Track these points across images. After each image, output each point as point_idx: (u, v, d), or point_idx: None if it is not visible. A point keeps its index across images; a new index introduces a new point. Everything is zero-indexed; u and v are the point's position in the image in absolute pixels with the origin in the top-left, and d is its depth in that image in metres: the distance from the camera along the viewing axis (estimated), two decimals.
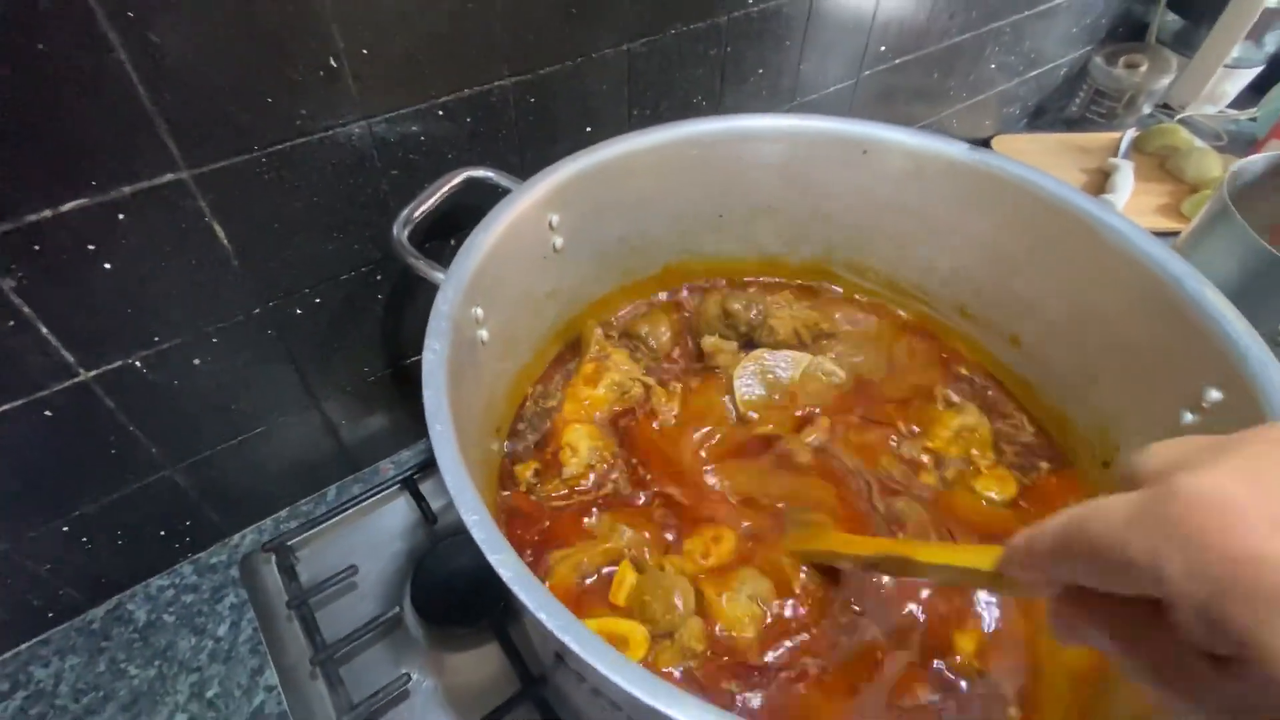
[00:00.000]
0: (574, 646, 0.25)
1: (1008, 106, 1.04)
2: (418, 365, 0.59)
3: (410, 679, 0.48)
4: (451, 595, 0.51)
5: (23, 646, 0.52)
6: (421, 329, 0.56)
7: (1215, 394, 0.37)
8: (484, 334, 0.43)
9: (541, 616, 0.25)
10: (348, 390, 0.56)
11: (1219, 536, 0.17)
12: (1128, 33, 1.12)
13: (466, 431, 0.36)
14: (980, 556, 0.29)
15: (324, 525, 0.56)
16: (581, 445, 0.49)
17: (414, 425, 0.64)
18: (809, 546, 0.43)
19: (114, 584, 0.54)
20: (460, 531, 0.55)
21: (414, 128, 0.46)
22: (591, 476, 0.48)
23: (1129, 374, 0.43)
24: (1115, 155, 1.01)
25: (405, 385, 0.60)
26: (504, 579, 0.27)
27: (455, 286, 0.39)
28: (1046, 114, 1.13)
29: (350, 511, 0.57)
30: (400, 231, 0.42)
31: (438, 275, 0.40)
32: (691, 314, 0.59)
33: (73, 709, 0.49)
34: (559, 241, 0.49)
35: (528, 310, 0.50)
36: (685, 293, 0.61)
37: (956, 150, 0.49)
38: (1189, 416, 0.38)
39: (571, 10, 0.48)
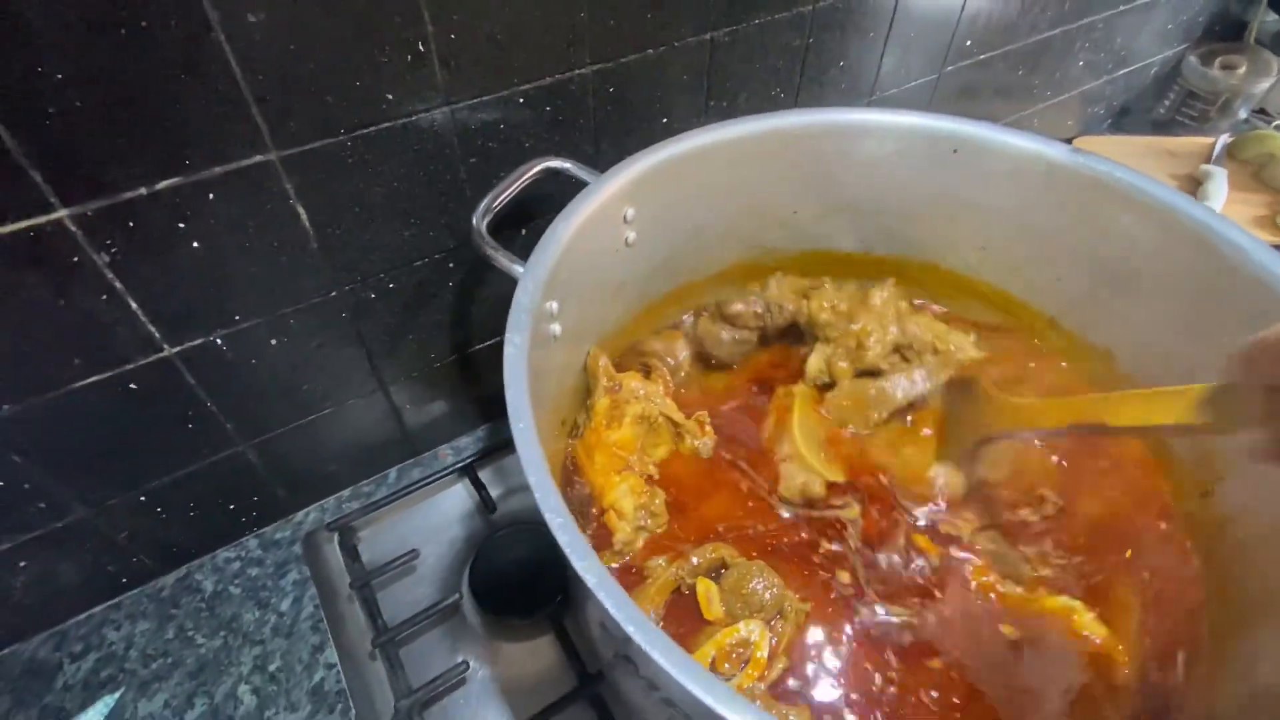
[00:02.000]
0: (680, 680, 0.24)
1: (1092, 106, 0.99)
2: (482, 353, 0.59)
3: (468, 667, 0.48)
4: (509, 585, 0.51)
5: (96, 609, 0.54)
6: (489, 317, 0.57)
7: None
8: (556, 328, 0.42)
9: (630, 630, 0.25)
10: (413, 375, 0.57)
11: None
12: (1225, 32, 1.06)
13: (539, 428, 0.35)
14: (1176, 400, 0.28)
15: (385, 507, 0.57)
16: (626, 506, 0.44)
17: (474, 412, 0.64)
18: (991, 425, 0.42)
19: (184, 553, 0.56)
20: (518, 522, 0.55)
21: (495, 115, 0.46)
22: (641, 539, 0.45)
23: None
24: (1207, 162, 0.95)
25: (468, 372, 0.60)
26: (590, 585, 0.26)
27: (535, 279, 0.38)
28: (1132, 115, 1.07)
29: (410, 495, 0.58)
30: (480, 222, 0.42)
31: (516, 268, 0.39)
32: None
33: (141, 673, 0.51)
34: (631, 235, 0.48)
35: (596, 305, 0.49)
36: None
37: (1057, 152, 0.46)
38: None
39: None
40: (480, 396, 0.63)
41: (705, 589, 0.41)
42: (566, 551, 0.27)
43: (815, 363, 0.53)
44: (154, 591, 0.55)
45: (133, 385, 0.43)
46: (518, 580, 0.51)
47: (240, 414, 0.49)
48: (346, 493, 0.61)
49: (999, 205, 0.50)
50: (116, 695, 0.49)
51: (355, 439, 0.57)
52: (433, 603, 0.51)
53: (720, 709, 0.23)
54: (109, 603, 0.54)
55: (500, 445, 0.61)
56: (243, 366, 0.47)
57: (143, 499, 0.50)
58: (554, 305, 0.40)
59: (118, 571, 0.53)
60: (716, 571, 0.43)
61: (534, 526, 0.54)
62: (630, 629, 0.25)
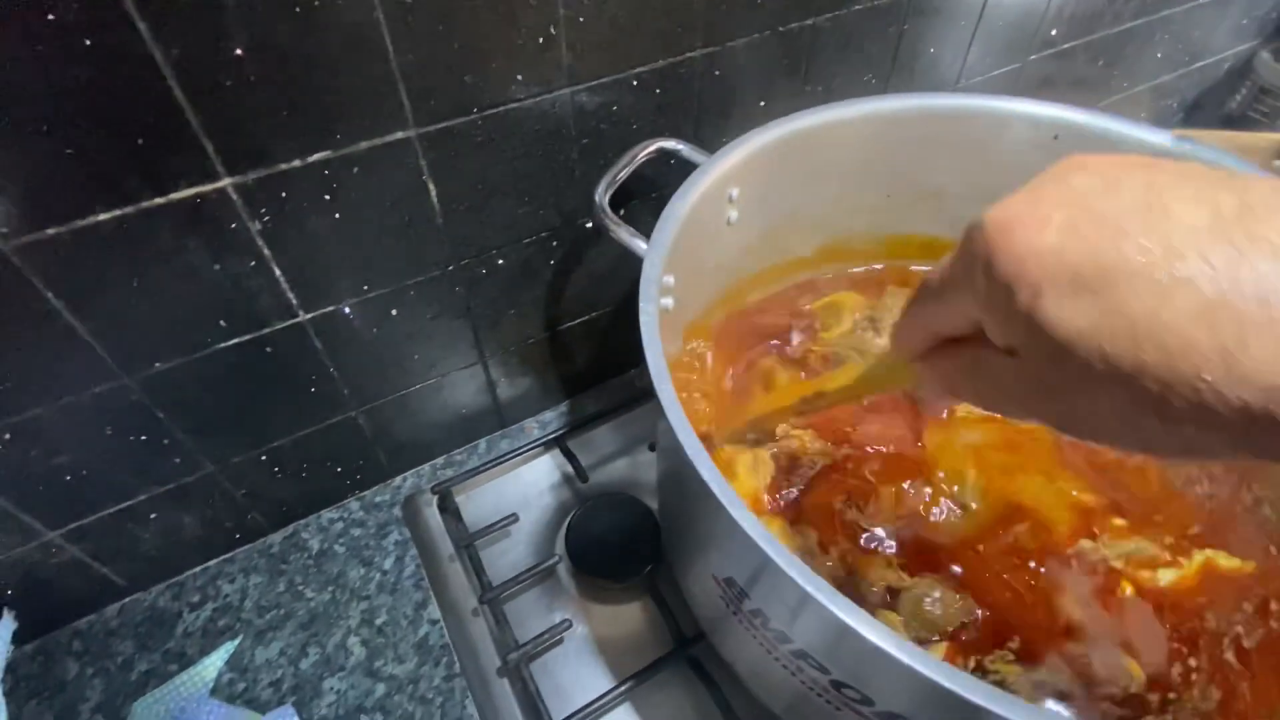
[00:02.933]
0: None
1: (1165, 100, 0.98)
2: (573, 330, 0.62)
3: (570, 625, 0.50)
4: (604, 550, 0.53)
5: (211, 563, 0.57)
6: (583, 295, 0.59)
7: None
8: (669, 302, 0.44)
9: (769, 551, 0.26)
10: (510, 349, 0.59)
11: (1005, 242, 0.20)
12: None
13: None
14: (878, 361, 0.34)
15: (481, 474, 0.59)
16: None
17: (559, 388, 0.66)
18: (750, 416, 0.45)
19: (292, 513, 0.59)
20: (609, 492, 0.57)
21: (609, 98, 0.47)
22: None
23: None
24: (1279, 158, 0.94)
25: (559, 348, 0.62)
26: (737, 519, 0.28)
27: (659, 253, 0.40)
28: (1204, 110, 1.06)
29: (505, 463, 0.60)
30: (602, 198, 0.44)
31: (639, 243, 0.41)
32: None
33: (257, 623, 0.54)
34: (734, 215, 0.50)
35: (696, 282, 0.51)
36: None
37: (1161, 139, 0.47)
38: None
39: None
40: (566, 373, 0.65)
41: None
42: (712, 487, 0.29)
43: None
44: (264, 548, 0.58)
45: (268, 349, 0.46)
46: (612, 545, 0.53)
47: (356, 380, 0.52)
48: (440, 460, 0.63)
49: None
50: (235, 642, 0.53)
51: (453, 409, 0.60)
52: (533, 564, 0.53)
53: (886, 645, 0.25)
54: (223, 557, 0.57)
55: (587, 420, 0.63)
56: (364, 335, 0.50)
57: (263, 458, 0.52)
58: (670, 280, 0.42)
59: (233, 527, 0.56)
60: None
61: (626, 496, 0.56)
62: (786, 567, 0.26)
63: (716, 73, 0.51)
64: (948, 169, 0.54)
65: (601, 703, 0.46)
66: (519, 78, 0.43)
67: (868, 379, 0.35)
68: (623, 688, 0.47)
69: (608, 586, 0.52)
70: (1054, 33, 0.70)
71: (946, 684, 0.24)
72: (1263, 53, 1.01)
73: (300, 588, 0.56)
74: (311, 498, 0.59)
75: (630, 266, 0.40)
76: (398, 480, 0.62)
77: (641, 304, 0.37)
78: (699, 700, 0.47)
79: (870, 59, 0.58)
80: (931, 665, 0.24)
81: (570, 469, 0.59)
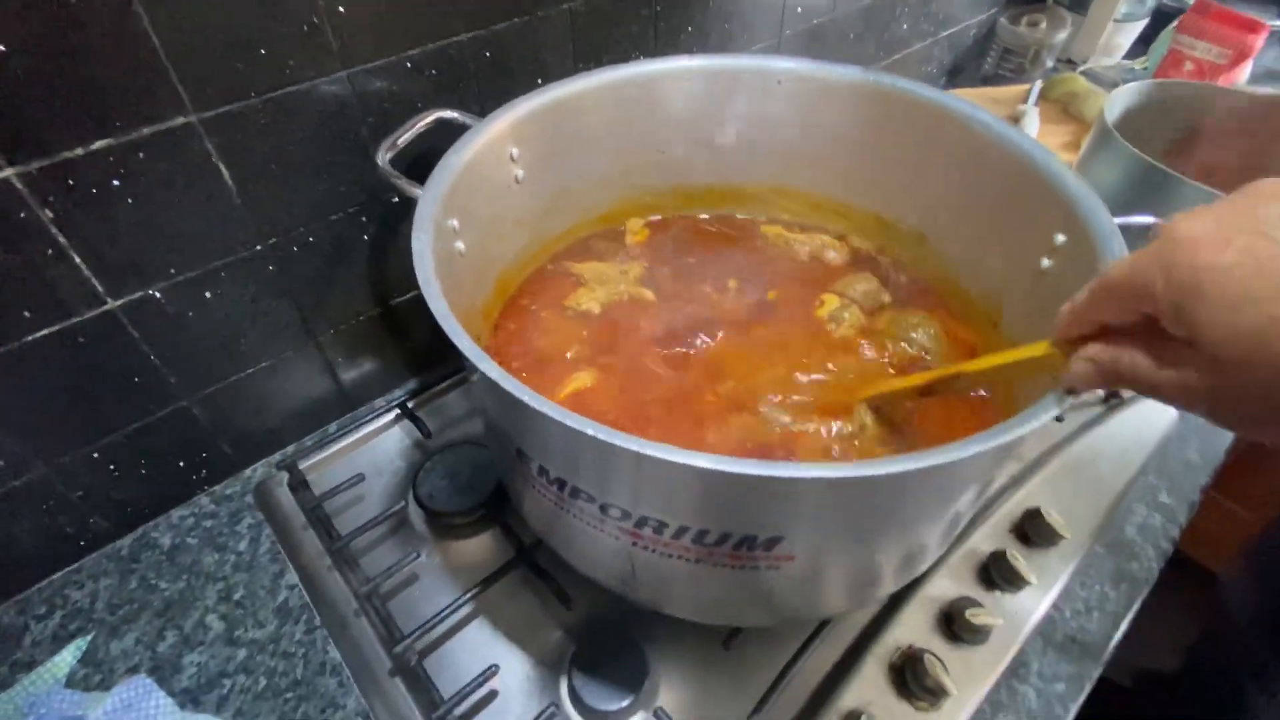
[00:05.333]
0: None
1: (926, 65, 1.14)
2: (404, 306, 0.66)
3: (419, 556, 0.54)
4: (450, 490, 0.58)
5: (57, 575, 0.57)
6: (404, 270, 0.64)
7: (1061, 238, 0.45)
8: (461, 245, 0.50)
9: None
10: (341, 328, 0.63)
11: (1187, 256, 0.25)
12: None
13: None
14: (1025, 350, 0.36)
15: (329, 447, 0.62)
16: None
17: (404, 367, 0.70)
18: (875, 389, 0.49)
19: (139, 514, 0.60)
20: (456, 443, 0.62)
21: (387, 80, 0.53)
22: None
23: (1004, 240, 0.52)
24: (1024, 104, 1.11)
25: (394, 325, 0.66)
26: (475, 362, 0.33)
27: (433, 195, 0.45)
28: (964, 72, 1.23)
29: (353, 437, 0.64)
30: (383, 159, 0.49)
31: (415, 190, 0.47)
32: None
33: (109, 620, 0.55)
34: (520, 173, 0.56)
35: (497, 236, 0.57)
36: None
37: (854, 73, 0.58)
38: (1045, 262, 0.47)
39: None
40: (410, 349, 0.70)
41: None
42: (459, 345, 0.34)
43: None
44: (113, 552, 0.59)
45: (80, 339, 0.48)
46: (458, 485, 0.58)
47: (182, 368, 0.55)
48: (291, 449, 0.66)
49: (822, 124, 0.61)
50: (88, 638, 0.53)
51: (295, 394, 0.63)
52: (380, 511, 0.57)
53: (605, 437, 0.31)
54: (70, 568, 0.58)
55: (433, 386, 0.68)
56: (182, 319, 0.52)
57: (96, 455, 0.54)
58: (455, 222, 0.48)
59: (76, 534, 0.57)
60: None
61: (471, 444, 0.61)
62: (513, 390, 0.32)
63: (488, 54, 0.58)
64: (702, 123, 0.63)
65: (450, 610, 0.51)
66: (291, 63, 0.48)
67: (1015, 363, 0.37)
68: (468, 595, 0.51)
69: (455, 522, 0.57)
70: (800, 9, 0.82)
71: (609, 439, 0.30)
72: (1001, 19, 1.19)
73: (154, 581, 0.57)
74: (158, 497, 0.60)
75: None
76: (248, 471, 0.64)
77: (414, 233, 0.42)
78: (542, 598, 0.53)
79: (633, 38, 0.67)
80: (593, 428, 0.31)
81: (418, 433, 0.64)
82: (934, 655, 0.48)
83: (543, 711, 0.47)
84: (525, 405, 0.32)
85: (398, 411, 0.65)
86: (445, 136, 0.53)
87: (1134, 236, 0.41)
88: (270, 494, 0.61)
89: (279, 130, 0.50)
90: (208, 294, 0.53)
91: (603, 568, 0.46)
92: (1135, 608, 0.55)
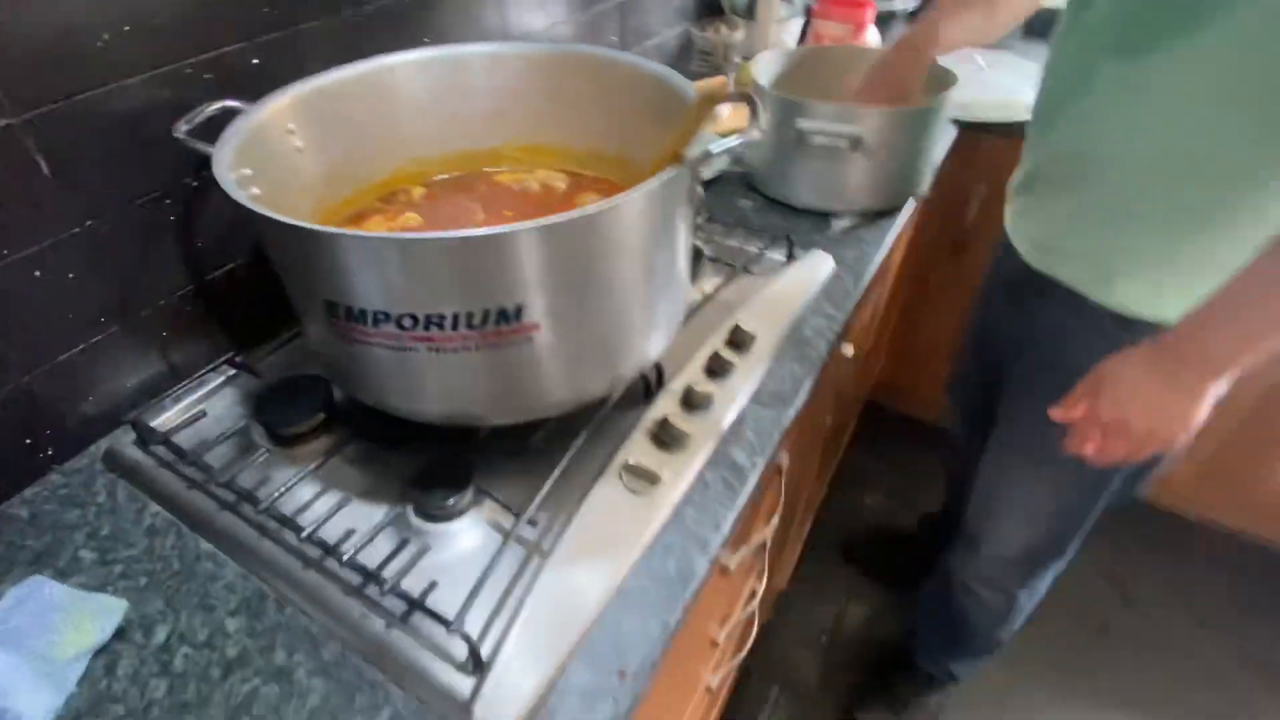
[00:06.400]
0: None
1: None
2: (218, 281, 0.77)
3: (265, 453, 0.66)
4: (286, 409, 0.69)
5: None
6: (213, 246, 0.75)
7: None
8: (256, 190, 0.63)
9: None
10: (162, 304, 0.73)
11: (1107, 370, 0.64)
12: (712, 9, 1.58)
13: None
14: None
15: (170, 410, 0.71)
16: None
17: (227, 340, 0.80)
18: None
19: None
20: (288, 377, 0.73)
21: (174, 82, 0.66)
22: None
23: (648, 136, 0.75)
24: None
25: (212, 300, 0.77)
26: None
27: (226, 149, 0.59)
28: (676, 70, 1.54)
29: (190, 399, 0.73)
30: (180, 131, 0.62)
31: (210, 148, 0.60)
32: None
33: None
34: (299, 143, 0.71)
35: (291, 194, 0.71)
36: None
37: (544, 47, 0.79)
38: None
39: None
40: (230, 324, 0.80)
41: None
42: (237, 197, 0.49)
43: None
44: None
45: None
46: (291, 406, 0.70)
47: (18, 345, 0.63)
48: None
49: (536, 89, 0.82)
50: None
51: (128, 368, 0.72)
52: (224, 431, 0.67)
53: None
54: None
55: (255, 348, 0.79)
56: (15, 296, 0.61)
57: None
58: (247, 171, 0.62)
59: None
60: None
61: (303, 376, 0.73)
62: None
63: (255, 61, 0.73)
64: (446, 104, 0.82)
65: (297, 479, 0.63)
66: (93, 71, 0.60)
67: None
68: (312, 467, 0.64)
69: (292, 432, 0.68)
70: (521, 31, 1.04)
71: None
72: (692, 29, 1.52)
73: (20, 543, 0.63)
74: (8, 478, 0.66)
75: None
76: (93, 448, 0.71)
77: (214, 168, 0.56)
78: (376, 458, 0.66)
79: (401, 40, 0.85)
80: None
81: (253, 379, 0.75)
82: (678, 418, 0.68)
83: (388, 521, 0.60)
84: (300, 229, 0.48)
85: (229, 369, 0.76)
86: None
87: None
88: (119, 454, 0.69)
89: (87, 126, 0.61)
90: (37, 273, 0.62)
91: (408, 393, 0.60)
92: (813, 375, 0.79)
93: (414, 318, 0.53)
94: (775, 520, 0.87)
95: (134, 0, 0.61)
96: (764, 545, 0.95)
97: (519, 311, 0.54)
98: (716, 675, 0.97)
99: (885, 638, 1.51)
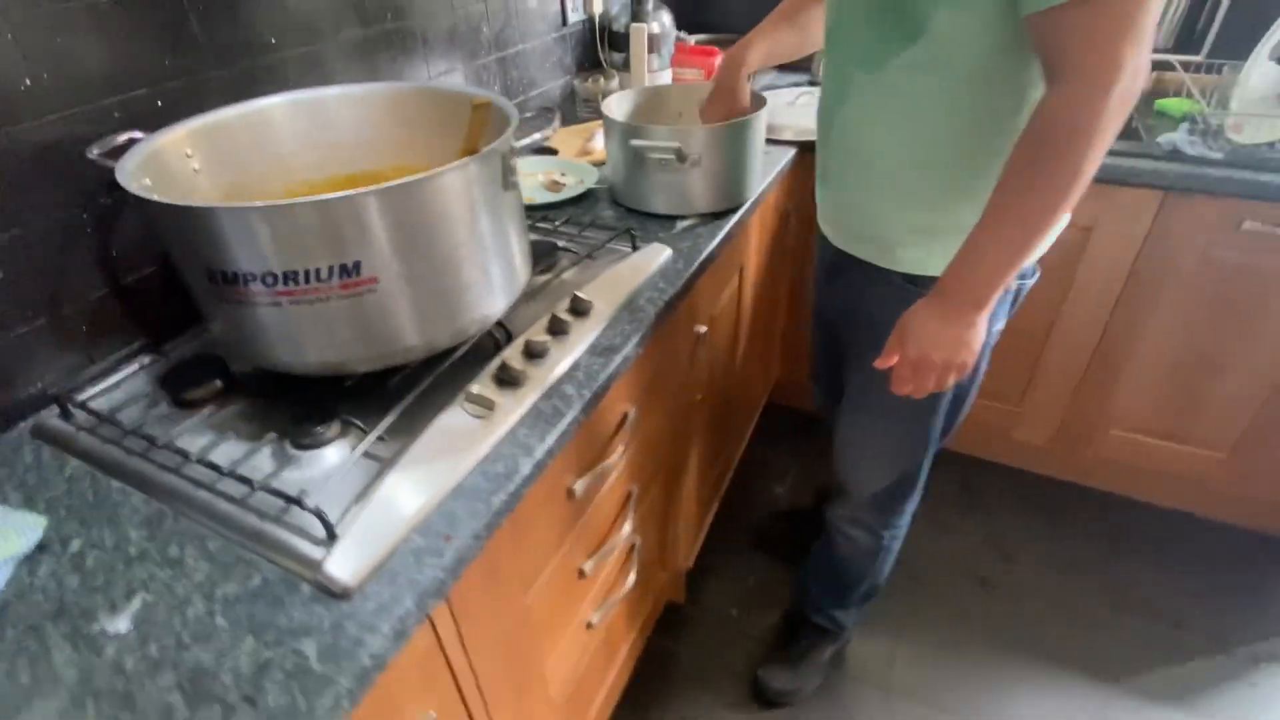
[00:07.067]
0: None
1: (529, 113, 1.63)
2: (131, 285, 0.92)
3: (163, 406, 0.79)
4: (188, 379, 0.83)
5: None
6: (125, 259, 0.90)
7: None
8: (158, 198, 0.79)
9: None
10: (83, 303, 0.87)
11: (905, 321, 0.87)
12: (591, 64, 1.82)
13: None
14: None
15: (91, 391, 0.85)
16: None
17: (145, 339, 0.94)
18: None
19: None
20: (189, 356, 0.87)
21: (89, 118, 0.83)
22: None
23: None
24: (600, 131, 1.64)
25: (129, 302, 0.91)
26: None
27: (129, 163, 0.75)
28: (568, 114, 1.76)
29: (107, 383, 0.86)
30: (93, 153, 0.78)
31: (114, 163, 0.76)
32: None
33: None
34: (196, 165, 0.87)
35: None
36: None
37: (381, 86, 0.98)
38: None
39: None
40: (146, 319, 0.94)
41: None
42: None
43: None
44: None
45: None
46: (192, 375, 0.84)
47: None
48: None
49: (383, 120, 1.00)
50: None
51: (55, 356, 0.85)
52: (132, 396, 0.81)
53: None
54: None
55: (165, 343, 0.93)
56: None
57: None
58: (148, 181, 0.77)
59: None
60: None
61: (206, 354, 0.87)
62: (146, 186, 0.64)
63: (159, 103, 0.90)
64: (316, 136, 0.99)
65: (194, 430, 0.77)
66: (18, 108, 0.76)
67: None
68: (207, 413, 0.78)
69: (193, 397, 0.82)
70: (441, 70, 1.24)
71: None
72: (574, 80, 1.75)
73: None
74: None
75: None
76: (21, 424, 0.83)
77: (118, 177, 0.72)
78: (258, 414, 0.80)
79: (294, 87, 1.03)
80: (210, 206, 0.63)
81: (164, 366, 0.88)
82: (516, 360, 0.84)
83: (268, 448, 0.74)
84: (178, 207, 0.64)
85: (144, 358, 0.90)
86: None
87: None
88: (44, 425, 0.81)
89: (14, 153, 0.77)
90: None
91: (283, 345, 0.75)
92: (641, 331, 0.95)
93: (274, 275, 0.68)
94: (622, 450, 1.02)
95: (54, 52, 0.78)
96: (628, 496, 1.10)
97: (357, 267, 0.70)
98: (597, 613, 1.09)
99: (791, 607, 1.64)
